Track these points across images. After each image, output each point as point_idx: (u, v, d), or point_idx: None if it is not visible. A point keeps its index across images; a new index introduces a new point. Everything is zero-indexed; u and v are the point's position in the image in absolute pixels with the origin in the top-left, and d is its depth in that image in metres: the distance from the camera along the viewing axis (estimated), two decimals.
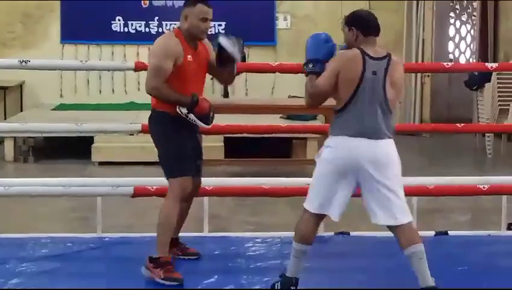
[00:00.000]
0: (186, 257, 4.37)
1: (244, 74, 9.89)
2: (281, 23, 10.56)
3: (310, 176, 5.28)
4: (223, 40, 4.11)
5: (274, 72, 5.04)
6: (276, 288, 3.84)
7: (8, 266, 4.28)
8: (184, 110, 4.02)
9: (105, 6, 10.27)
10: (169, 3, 10.42)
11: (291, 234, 4.86)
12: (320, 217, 3.81)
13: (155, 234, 4.86)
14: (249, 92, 10.39)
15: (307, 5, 10.57)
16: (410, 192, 4.89)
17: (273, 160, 7.98)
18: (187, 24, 4.07)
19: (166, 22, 10.37)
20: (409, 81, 10.48)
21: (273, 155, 8.06)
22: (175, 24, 10.40)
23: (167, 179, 4.15)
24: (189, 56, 4.05)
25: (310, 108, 3.85)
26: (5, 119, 9.42)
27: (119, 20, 10.39)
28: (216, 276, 4.12)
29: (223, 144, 8.09)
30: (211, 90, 10.31)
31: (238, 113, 7.70)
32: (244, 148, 8.00)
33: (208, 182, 4.94)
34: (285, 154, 8.31)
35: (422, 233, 4.93)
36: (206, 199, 4.93)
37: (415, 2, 10.44)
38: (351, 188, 3.74)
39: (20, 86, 10.22)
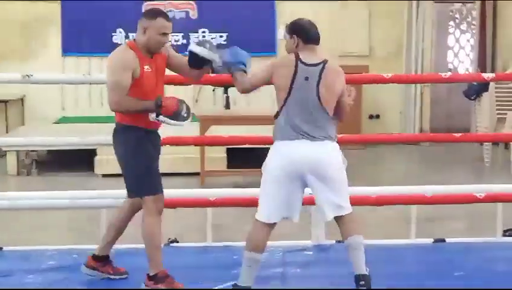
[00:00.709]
0: (117, 276, 4.30)
1: None
2: (282, 34, 10.63)
3: None
4: (195, 47, 4.10)
5: None
6: None
7: (14, 277, 4.33)
8: (153, 115, 3.96)
9: (106, 18, 10.36)
10: (170, 15, 10.38)
11: (294, 243, 4.97)
12: (271, 226, 3.90)
13: (162, 245, 4.94)
14: (250, 103, 10.46)
15: (307, 15, 10.59)
16: (409, 200, 4.97)
17: None
18: (145, 37, 3.99)
19: None
20: (408, 91, 10.57)
21: None
22: (176, 35, 10.57)
23: (137, 196, 4.09)
24: (146, 66, 3.99)
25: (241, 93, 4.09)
26: (7, 132, 9.49)
27: (120, 32, 10.48)
28: (219, 285, 4.18)
29: (225, 154, 8.16)
30: (212, 101, 10.40)
31: (240, 124, 7.78)
32: (246, 159, 8.07)
33: (210, 193, 5.00)
34: None
35: (420, 240, 5.05)
36: (209, 209, 4.98)
37: (414, 12, 10.53)
38: (302, 189, 3.88)
39: (22, 100, 10.30)
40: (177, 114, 4.00)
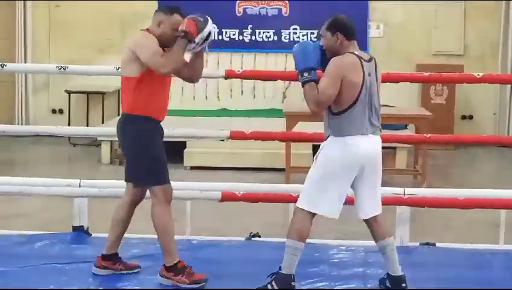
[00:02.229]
0: (130, 271, 4.31)
1: None
2: (374, 32, 10.54)
3: (398, 185, 5.30)
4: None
5: None
6: (271, 288, 3.93)
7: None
8: (191, 46, 4.00)
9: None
10: (263, 12, 10.57)
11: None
12: (314, 215, 3.96)
13: (242, 238, 4.99)
14: None
15: (400, 13, 10.50)
16: (497, 204, 4.83)
17: None
18: (159, 31, 4.07)
19: (259, 30, 10.52)
20: (503, 92, 10.25)
21: None
22: (267, 32, 10.63)
23: (147, 186, 4.11)
24: None
25: (315, 115, 3.96)
26: (103, 123, 9.78)
27: (213, 28, 10.57)
28: (296, 281, 4.17)
29: (311, 151, 8.14)
30: (301, 97, 10.37)
31: None
32: None
33: (293, 188, 5.01)
34: None
35: (509, 246, 4.89)
36: (291, 205, 4.98)
37: (511, 10, 10.21)
38: (350, 185, 3.93)
39: (118, 92, 10.57)
40: (202, 28, 4.04)
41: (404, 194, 4.84)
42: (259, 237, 5.05)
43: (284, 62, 10.18)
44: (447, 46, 10.34)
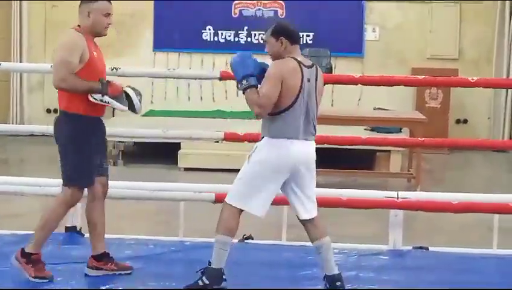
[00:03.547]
0: (122, 272, 4.29)
1: (330, 84, 9.97)
2: (369, 35, 10.56)
3: (392, 189, 5.29)
4: (130, 91, 4.18)
5: (356, 84, 5.07)
6: (202, 283, 3.96)
7: None
8: (98, 96, 3.98)
9: (196, 15, 10.51)
10: (259, 13, 10.58)
11: (370, 247, 4.91)
12: (242, 212, 4.01)
13: (235, 240, 4.98)
14: (334, 103, 10.41)
15: (396, 17, 10.52)
16: (491, 209, 4.83)
17: (356, 171, 7.98)
18: (90, 21, 4.08)
19: (255, 32, 10.53)
20: (498, 96, 10.27)
21: (357, 167, 8.06)
22: (263, 33, 10.61)
23: (65, 185, 4.13)
24: (94, 52, 4.09)
25: (259, 117, 3.96)
26: None
27: (209, 29, 10.62)
28: (290, 284, 4.18)
29: None
30: None
31: (323, 124, 7.73)
32: (327, 159, 8.02)
33: None
34: (368, 166, 8.29)
35: (504, 251, 4.90)
36: (285, 207, 4.98)
37: (507, 14, 10.23)
38: (279, 187, 3.98)
39: None
40: (121, 98, 4.07)
41: (397, 197, 4.83)
42: (252, 239, 5.04)
43: None
44: (443, 50, 10.36)
